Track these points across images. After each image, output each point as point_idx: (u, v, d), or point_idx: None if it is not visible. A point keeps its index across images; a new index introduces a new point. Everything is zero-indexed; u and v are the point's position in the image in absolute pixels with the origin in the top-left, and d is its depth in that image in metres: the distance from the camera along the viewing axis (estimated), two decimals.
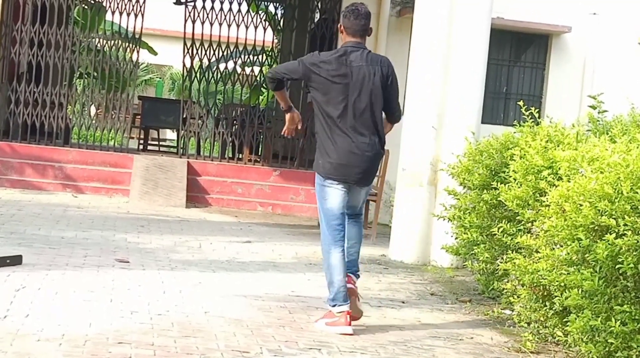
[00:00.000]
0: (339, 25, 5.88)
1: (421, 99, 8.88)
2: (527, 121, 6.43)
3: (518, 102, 7.25)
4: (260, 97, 17.38)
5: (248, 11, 14.07)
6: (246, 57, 14.58)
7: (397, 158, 9.32)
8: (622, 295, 4.60)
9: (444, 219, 7.41)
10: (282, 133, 6.12)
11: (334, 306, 5.62)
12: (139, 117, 15.88)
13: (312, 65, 5.69)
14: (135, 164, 12.61)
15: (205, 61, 14.06)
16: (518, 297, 5.65)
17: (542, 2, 13.46)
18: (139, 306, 5.75)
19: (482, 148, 7.09)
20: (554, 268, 4.92)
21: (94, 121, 13.53)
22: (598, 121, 7.16)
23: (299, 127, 6.04)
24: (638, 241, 4.38)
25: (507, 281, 5.95)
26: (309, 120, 13.78)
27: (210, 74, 14.18)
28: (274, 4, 18.54)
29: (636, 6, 13.49)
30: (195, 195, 12.50)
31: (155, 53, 22.25)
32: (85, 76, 14.76)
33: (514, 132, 6.75)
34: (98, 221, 9.79)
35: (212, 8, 13.91)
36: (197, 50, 13.86)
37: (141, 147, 15.31)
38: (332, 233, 5.68)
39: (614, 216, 4.51)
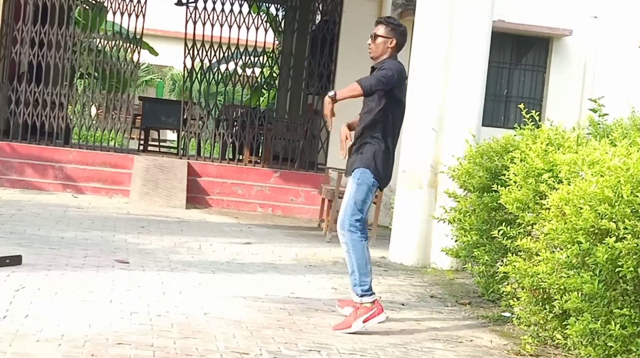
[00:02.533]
0: (391, 41, 5.98)
1: (422, 101, 8.88)
2: (528, 124, 6.43)
3: (519, 105, 7.25)
4: (261, 99, 17.39)
5: (249, 12, 14.09)
6: (247, 58, 14.59)
7: (398, 159, 9.30)
8: (621, 299, 4.60)
9: (444, 222, 7.42)
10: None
11: (369, 296, 5.78)
12: (140, 117, 15.89)
13: (402, 78, 5.93)
14: (135, 164, 12.61)
15: (206, 62, 14.08)
16: (518, 300, 5.65)
17: (543, 5, 13.47)
18: (139, 307, 5.75)
19: (482, 150, 7.09)
20: (553, 271, 4.92)
21: (94, 122, 13.54)
22: (598, 124, 7.16)
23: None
24: (638, 245, 4.38)
25: (507, 284, 5.94)
26: (310, 121, 13.81)
27: (211, 75, 14.20)
28: (275, 5, 18.56)
29: (637, 10, 13.49)
30: (196, 196, 12.51)
31: (156, 54, 22.29)
32: (86, 76, 14.77)
33: (515, 135, 6.75)
34: (98, 221, 9.79)
35: (213, 9, 13.94)
36: (197, 51, 13.88)
37: (141, 148, 15.31)
38: (361, 228, 5.87)
39: (614, 220, 4.51)
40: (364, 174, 5.85)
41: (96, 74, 14.04)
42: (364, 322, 5.69)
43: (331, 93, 5.75)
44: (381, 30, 5.99)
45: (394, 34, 5.98)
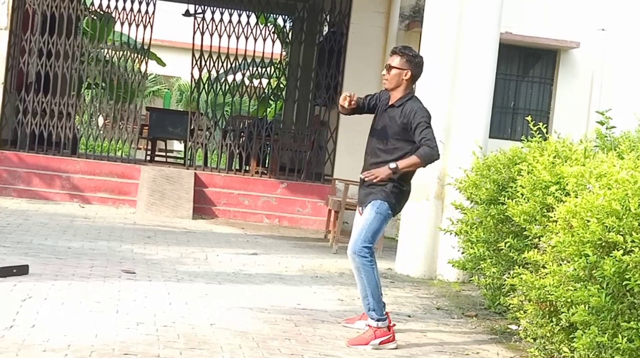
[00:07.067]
0: (405, 73, 5.88)
1: None
2: (535, 136, 6.43)
3: (526, 118, 7.24)
4: (268, 110, 17.42)
5: (257, 23, 14.12)
6: (254, 69, 14.63)
7: None
8: (629, 312, 4.58)
9: (451, 234, 7.40)
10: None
11: (383, 321, 5.77)
12: (147, 128, 15.92)
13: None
14: (142, 175, 12.63)
15: (214, 73, 14.11)
16: (524, 312, 5.63)
17: (550, 17, 13.49)
18: (145, 318, 5.75)
19: (489, 162, 7.08)
20: (560, 284, 4.91)
21: (101, 132, 13.58)
22: (606, 137, 7.15)
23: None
24: None
25: (514, 297, 5.93)
26: (317, 132, 13.83)
27: (218, 86, 14.22)
28: (283, 16, 18.60)
29: None
30: (202, 207, 12.51)
31: (163, 64, 22.36)
32: (94, 86, 14.81)
33: (522, 148, 6.74)
34: (105, 231, 9.80)
35: (221, 20, 13.99)
36: (205, 61, 13.90)
37: (148, 158, 15.33)
38: (370, 253, 5.82)
39: (621, 233, 4.50)
40: (382, 206, 5.83)
41: (104, 85, 14.09)
42: (380, 343, 5.68)
43: (393, 165, 5.72)
44: (396, 61, 5.88)
45: (409, 66, 5.87)
